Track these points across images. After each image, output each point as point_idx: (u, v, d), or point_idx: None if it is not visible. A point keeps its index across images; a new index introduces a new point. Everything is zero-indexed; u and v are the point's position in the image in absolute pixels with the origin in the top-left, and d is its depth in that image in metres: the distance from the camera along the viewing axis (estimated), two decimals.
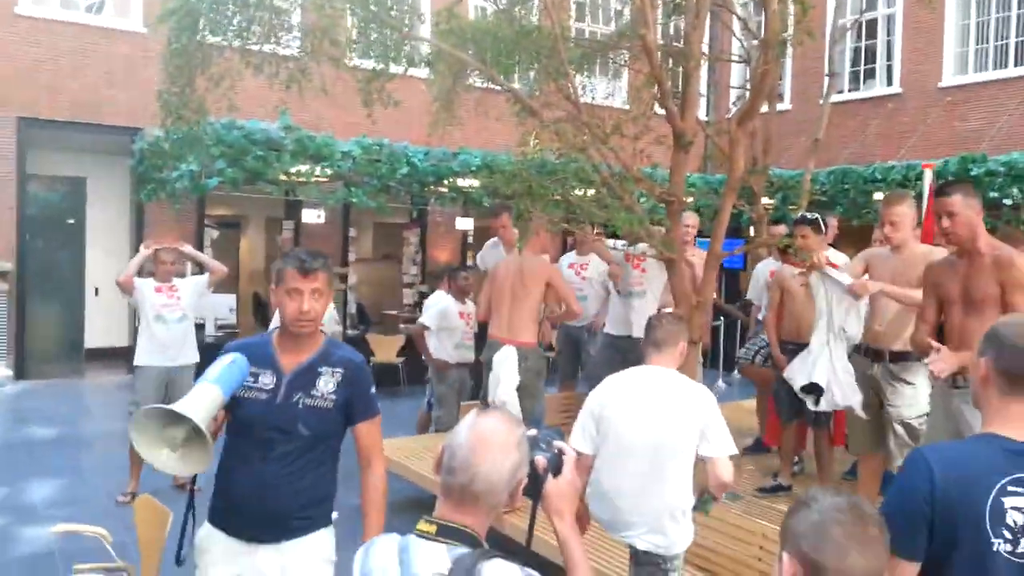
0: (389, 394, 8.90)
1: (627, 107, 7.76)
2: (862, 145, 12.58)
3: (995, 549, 1.63)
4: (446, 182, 10.59)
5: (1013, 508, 1.64)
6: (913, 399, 4.06)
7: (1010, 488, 1.64)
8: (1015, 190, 9.07)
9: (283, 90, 5.37)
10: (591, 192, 5.28)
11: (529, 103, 4.77)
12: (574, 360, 6.62)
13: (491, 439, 1.50)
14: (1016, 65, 11.46)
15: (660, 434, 2.85)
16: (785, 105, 13.95)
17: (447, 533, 1.47)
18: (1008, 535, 1.63)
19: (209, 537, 2.48)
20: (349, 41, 4.78)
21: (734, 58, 6.03)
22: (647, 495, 2.86)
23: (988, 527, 1.63)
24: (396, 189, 10.27)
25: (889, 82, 12.96)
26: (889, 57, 13.02)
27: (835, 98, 13.39)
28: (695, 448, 2.86)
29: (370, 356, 10.14)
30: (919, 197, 8.83)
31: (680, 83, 4.68)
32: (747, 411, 6.52)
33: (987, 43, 11.91)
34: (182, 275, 6.56)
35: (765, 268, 6.09)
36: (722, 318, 10.20)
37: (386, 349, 10.36)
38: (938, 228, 3.19)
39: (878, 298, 4.06)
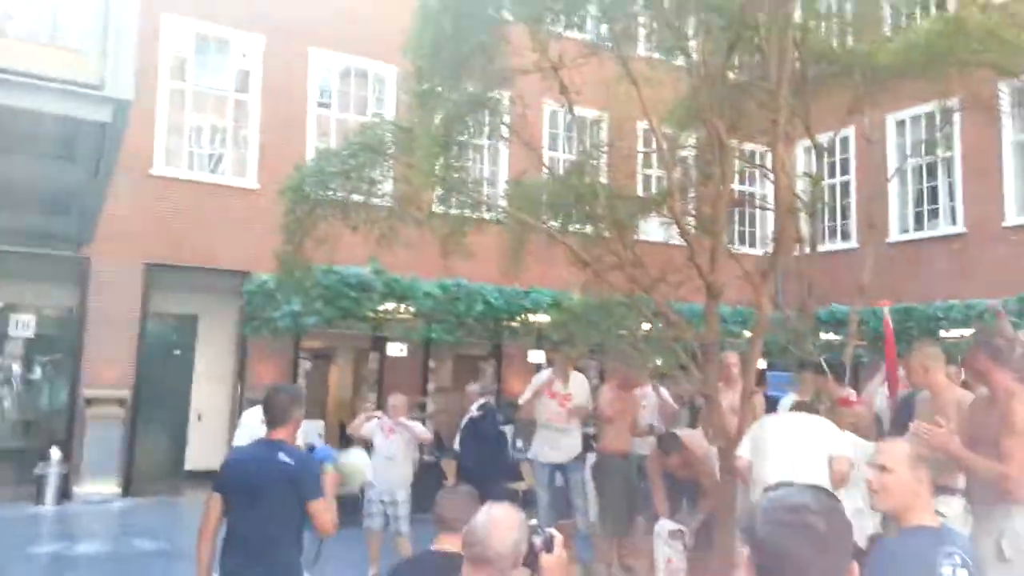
0: None
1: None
2: (929, 284, 12.77)
3: None
4: (518, 318, 11.39)
5: None
6: None
7: None
8: None
9: (375, 241, 6.31)
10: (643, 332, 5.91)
11: (582, 256, 5.50)
12: None
13: (500, 521, 2.12)
14: None
15: None
16: (852, 243, 14.40)
17: None
18: None
19: None
20: (430, 207, 5.68)
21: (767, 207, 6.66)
22: None
23: None
24: (472, 325, 11.11)
25: (953, 221, 13.27)
26: (952, 198, 13.39)
27: (900, 238, 13.85)
28: None
29: (443, 480, 10.62)
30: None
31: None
32: None
33: None
34: None
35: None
36: None
37: None
38: None
39: None
